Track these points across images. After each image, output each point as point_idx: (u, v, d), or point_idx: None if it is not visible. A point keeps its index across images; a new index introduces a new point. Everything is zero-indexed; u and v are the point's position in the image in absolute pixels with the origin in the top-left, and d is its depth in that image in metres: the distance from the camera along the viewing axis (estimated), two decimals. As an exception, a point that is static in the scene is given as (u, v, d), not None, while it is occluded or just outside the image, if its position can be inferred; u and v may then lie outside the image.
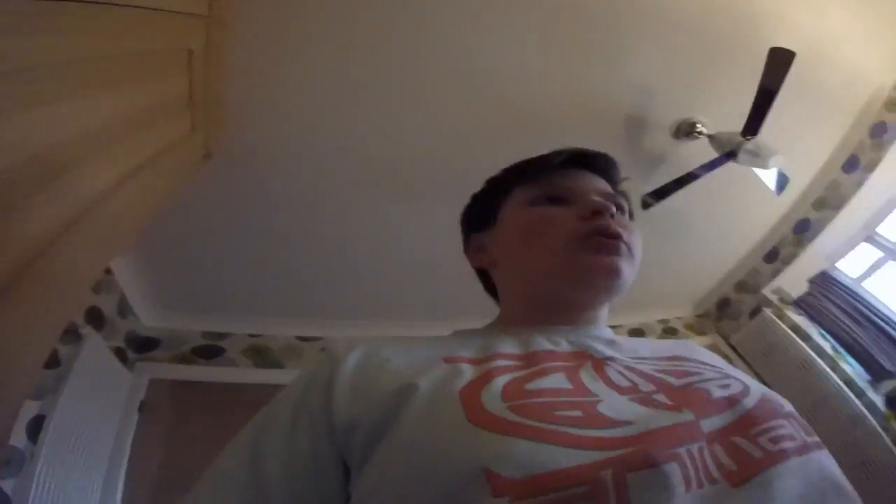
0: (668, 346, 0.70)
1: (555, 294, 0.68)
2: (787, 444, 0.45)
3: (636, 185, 2.85)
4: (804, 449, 0.47)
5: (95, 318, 2.28)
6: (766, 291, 4.14)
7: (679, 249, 3.75)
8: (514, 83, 2.29)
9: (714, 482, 0.39)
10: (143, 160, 1.41)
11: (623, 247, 0.65)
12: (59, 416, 1.90)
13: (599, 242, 0.63)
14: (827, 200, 3.75)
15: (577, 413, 0.44)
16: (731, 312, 4.46)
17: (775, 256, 4.11)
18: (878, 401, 3.56)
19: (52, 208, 1.05)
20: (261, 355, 2.97)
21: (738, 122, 2.49)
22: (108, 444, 2.19)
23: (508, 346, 0.58)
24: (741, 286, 4.37)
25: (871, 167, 3.42)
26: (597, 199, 0.68)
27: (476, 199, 0.85)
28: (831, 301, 3.94)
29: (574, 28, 2.17)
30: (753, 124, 2.47)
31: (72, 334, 2.08)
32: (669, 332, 4.45)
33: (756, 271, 4.24)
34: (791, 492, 0.41)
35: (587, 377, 0.52)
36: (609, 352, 0.60)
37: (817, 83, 2.82)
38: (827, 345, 3.84)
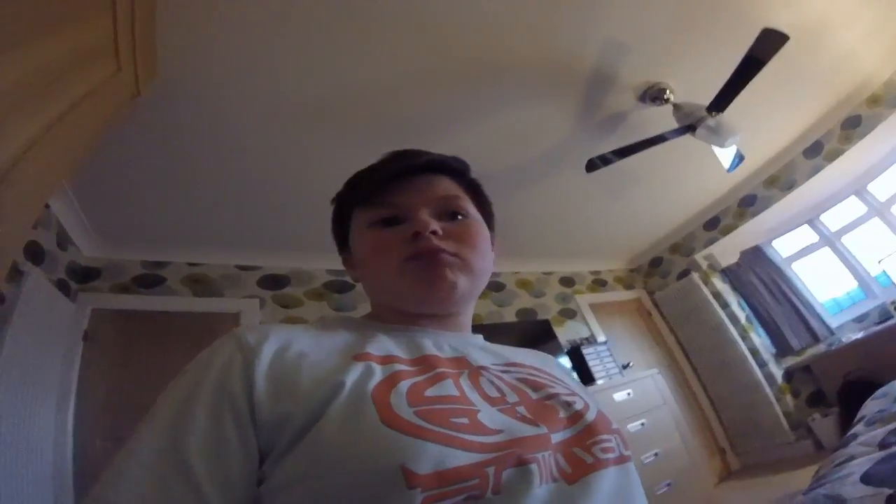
0: (528, 355, 0.77)
1: (411, 309, 0.70)
2: (610, 455, 0.56)
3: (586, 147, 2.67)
4: (621, 460, 0.57)
5: (35, 252, 2.23)
6: (699, 256, 4.18)
7: (624, 207, 3.66)
8: (469, 28, 1.98)
9: (555, 480, 0.50)
10: (70, 104, 1.44)
11: (450, 259, 0.67)
12: (9, 350, 1.95)
13: (426, 263, 0.66)
14: (779, 180, 3.68)
15: (466, 420, 0.51)
16: (661, 271, 4.53)
17: (715, 225, 4.12)
18: (778, 373, 3.77)
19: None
20: (200, 284, 2.87)
21: (709, 96, 2.29)
22: (56, 373, 2.25)
23: (401, 350, 0.62)
24: (675, 248, 4.42)
25: (832, 157, 3.31)
26: (420, 217, 0.69)
27: (332, 220, 0.83)
28: (756, 275, 4.01)
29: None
30: (721, 101, 2.27)
31: (13, 271, 2.06)
32: (599, 283, 4.49)
33: (693, 236, 4.27)
34: (606, 490, 0.52)
35: (466, 386, 0.58)
36: (482, 359, 0.66)
37: (806, 64, 2.61)
38: (742, 314, 3.99)
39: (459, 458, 0.46)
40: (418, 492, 0.42)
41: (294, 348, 0.56)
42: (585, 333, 4.01)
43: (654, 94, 2.45)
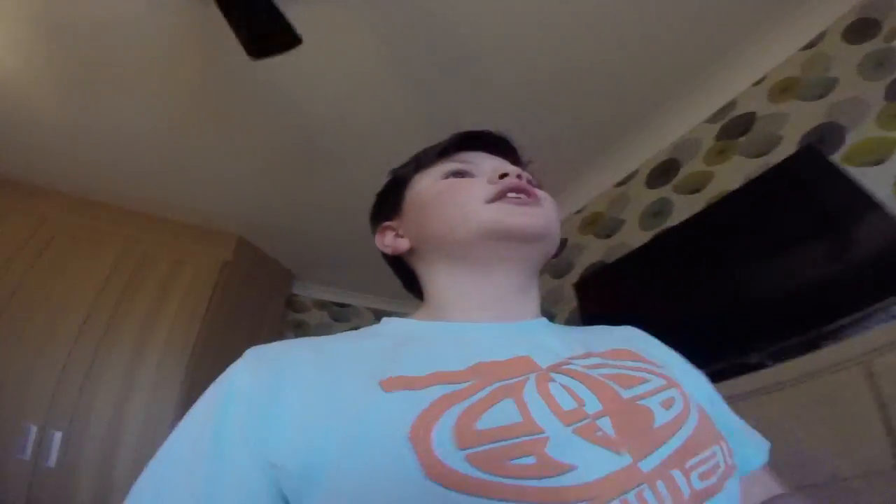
0: (620, 334, 0.64)
1: (481, 261, 0.60)
2: (713, 480, 0.41)
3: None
4: (724, 477, 0.43)
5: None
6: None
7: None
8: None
9: None
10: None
11: (541, 200, 0.62)
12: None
13: (517, 198, 0.60)
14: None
15: (531, 461, 0.37)
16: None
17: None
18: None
19: None
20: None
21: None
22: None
23: (449, 356, 0.48)
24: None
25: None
26: (503, 165, 0.67)
27: (380, 194, 0.78)
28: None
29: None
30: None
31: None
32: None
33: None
34: None
35: (531, 400, 0.43)
36: (555, 353, 0.51)
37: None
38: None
39: None
40: None
41: (286, 375, 0.44)
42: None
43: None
